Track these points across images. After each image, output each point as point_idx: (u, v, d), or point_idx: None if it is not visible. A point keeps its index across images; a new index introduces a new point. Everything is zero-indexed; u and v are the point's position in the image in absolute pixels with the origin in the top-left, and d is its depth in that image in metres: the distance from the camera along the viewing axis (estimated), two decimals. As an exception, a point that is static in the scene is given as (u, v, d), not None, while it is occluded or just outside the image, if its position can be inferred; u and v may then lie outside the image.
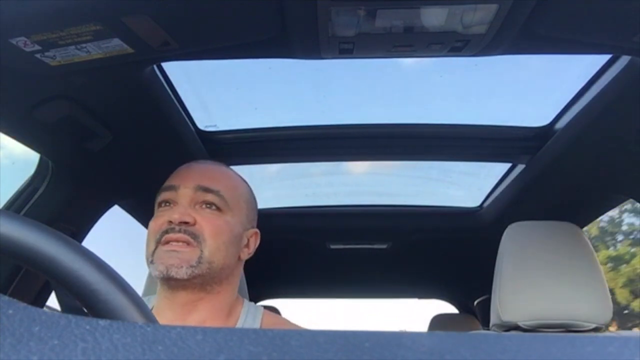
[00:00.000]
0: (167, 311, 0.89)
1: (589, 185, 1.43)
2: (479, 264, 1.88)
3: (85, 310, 0.36)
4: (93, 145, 1.15)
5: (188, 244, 0.87)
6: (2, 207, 1.19)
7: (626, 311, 10.76)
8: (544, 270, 1.19)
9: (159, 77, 1.07)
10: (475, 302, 2.54)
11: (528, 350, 0.24)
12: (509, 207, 1.68)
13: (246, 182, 1.02)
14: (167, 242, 0.87)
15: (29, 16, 0.73)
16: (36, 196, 1.20)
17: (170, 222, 0.87)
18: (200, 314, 0.90)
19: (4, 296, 0.27)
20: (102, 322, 0.25)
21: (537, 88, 1.48)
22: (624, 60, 0.98)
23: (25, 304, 0.26)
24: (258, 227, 1.01)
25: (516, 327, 1.19)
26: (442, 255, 2.25)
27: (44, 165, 1.21)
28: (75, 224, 1.31)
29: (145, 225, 0.96)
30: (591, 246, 1.25)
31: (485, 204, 1.87)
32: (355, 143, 1.48)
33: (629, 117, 1.08)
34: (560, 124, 1.28)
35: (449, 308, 2.80)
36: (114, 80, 0.98)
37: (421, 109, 1.55)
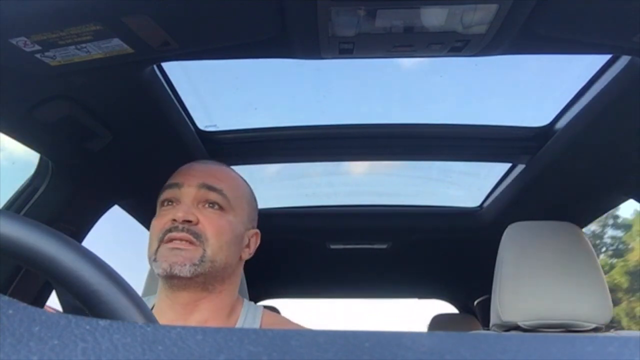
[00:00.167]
0: (169, 311, 0.89)
1: (589, 185, 1.43)
2: (479, 264, 1.89)
3: (86, 310, 0.36)
4: (93, 145, 1.15)
5: (191, 242, 0.87)
6: (2, 207, 1.19)
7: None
8: (544, 270, 1.19)
9: (159, 77, 1.07)
10: (475, 302, 2.54)
11: (528, 350, 0.24)
12: (509, 207, 1.68)
13: (247, 183, 1.02)
14: (170, 241, 0.87)
15: (29, 16, 0.73)
16: (36, 196, 1.20)
17: (174, 220, 0.87)
18: (201, 313, 0.90)
19: (4, 296, 0.27)
20: (102, 322, 0.25)
21: (537, 88, 1.48)
22: (624, 60, 0.98)
23: (25, 304, 0.26)
24: (258, 227, 1.01)
25: (516, 327, 1.19)
26: (442, 255, 2.25)
27: (44, 165, 1.21)
28: (75, 224, 1.31)
29: (146, 225, 0.96)
30: (591, 246, 1.25)
31: (485, 204, 1.87)
32: (355, 143, 1.47)
33: (629, 117, 1.08)
34: (560, 124, 1.28)
35: (448, 308, 2.80)
36: (114, 80, 0.98)
37: (421, 109, 1.55)
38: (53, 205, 1.22)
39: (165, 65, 1.08)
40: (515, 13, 0.78)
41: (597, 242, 11.90)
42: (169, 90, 1.13)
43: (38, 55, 0.80)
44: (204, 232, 0.88)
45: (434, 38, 0.85)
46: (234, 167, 1.07)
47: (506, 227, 1.31)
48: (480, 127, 1.43)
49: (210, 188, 0.92)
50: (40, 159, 1.20)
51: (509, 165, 1.58)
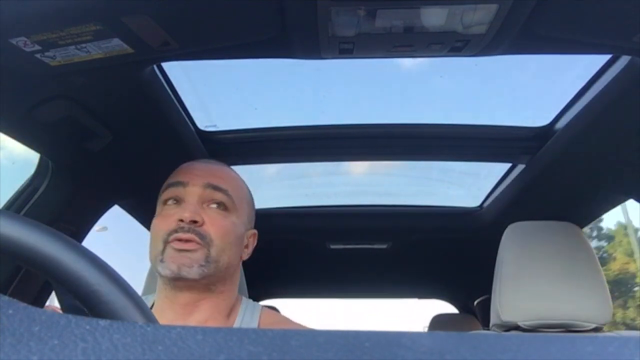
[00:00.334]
0: (168, 311, 0.89)
1: (589, 185, 1.43)
2: (479, 264, 1.89)
3: (86, 310, 0.36)
4: (93, 145, 1.15)
5: (197, 243, 0.87)
6: (2, 207, 1.19)
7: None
8: (544, 270, 1.19)
9: (159, 77, 1.07)
10: (475, 302, 2.54)
11: (528, 350, 0.24)
12: (509, 207, 1.68)
13: (245, 183, 1.02)
14: (176, 241, 0.86)
15: (29, 16, 0.73)
16: (36, 196, 1.20)
17: (181, 220, 0.87)
18: (202, 314, 0.90)
19: (4, 296, 0.27)
20: (102, 322, 0.25)
21: (537, 88, 1.48)
22: (624, 60, 0.98)
23: (25, 304, 0.26)
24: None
25: (516, 327, 1.19)
26: (442, 255, 2.25)
27: (44, 165, 1.21)
28: (75, 224, 1.31)
29: (146, 225, 0.96)
30: (591, 246, 1.25)
31: (485, 204, 1.87)
32: (355, 143, 1.47)
33: (629, 117, 1.08)
34: (560, 124, 1.28)
35: (448, 308, 2.80)
36: (114, 80, 0.98)
37: (421, 109, 1.55)
38: (53, 205, 1.22)
39: (165, 65, 1.08)
40: (515, 13, 0.78)
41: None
42: (169, 90, 1.13)
43: (38, 55, 0.80)
44: (208, 233, 0.88)
45: (434, 38, 0.85)
46: (234, 167, 1.07)
47: (506, 227, 1.31)
48: (480, 127, 1.43)
49: (216, 188, 0.91)
50: (40, 159, 1.20)
51: (509, 165, 1.58)
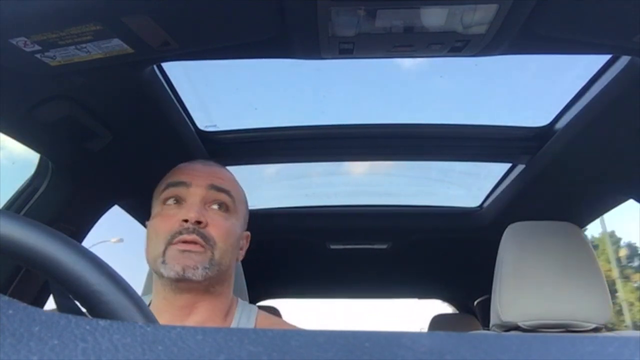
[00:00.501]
0: (166, 312, 0.89)
1: (589, 185, 1.43)
2: (479, 264, 1.88)
3: (84, 312, 0.36)
4: (93, 145, 1.15)
5: (201, 245, 0.86)
6: (2, 207, 1.19)
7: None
8: (544, 270, 1.19)
9: (159, 77, 1.07)
10: (475, 302, 2.54)
11: (528, 350, 0.24)
12: (509, 207, 1.68)
13: (240, 185, 1.03)
14: (181, 243, 0.86)
15: (29, 16, 0.73)
16: (36, 196, 1.20)
17: (185, 221, 0.86)
18: (199, 315, 0.90)
19: (4, 296, 0.27)
20: (102, 322, 0.25)
21: (537, 88, 1.48)
22: (624, 60, 0.98)
23: (25, 304, 0.26)
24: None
25: (516, 327, 1.19)
26: (442, 255, 2.25)
27: (44, 165, 1.21)
28: (75, 224, 1.31)
29: (146, 225, 0.96)
30: (591, 246, 1.25)
31: (485, 204, 1.87)
32: (355, 143, 1.47)
33: (629, 117, 1.08)
34: (560, 124, 1.28)
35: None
36: (114, 80, 0.98)
37: (421, 109, 1.55)
38: (53, 205, 1.22)
39: (165, 65, 1.08)
40: (515, 13, 0.78)
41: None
42: (169, 90, 1.13)
43: (38, 55, 0.80)
44: (212, 236, 0.87)
45: (434, 38, 0.85)
46: (234, 167, 1.08)
47: (506, 227, 1.31)
48: (480, 127, 1.43)
49: (219, 189, 0.91)
50: (40, 159, 1.20)
51: (509, 165, 1.58)
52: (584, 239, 1.26)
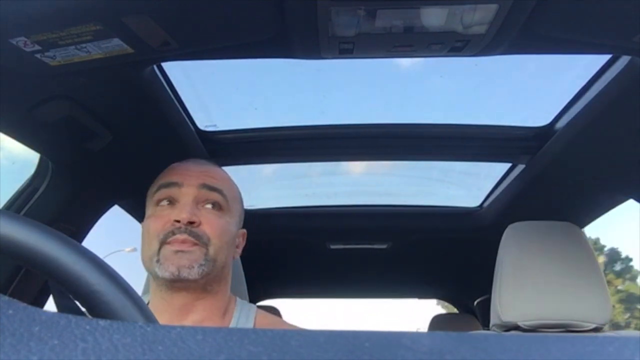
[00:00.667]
0: (164, 312, 0.88)
1: (589, 185, 1.43)
2: (479, 264, 1.89)
3: (84, 311, 0.36)
4: (93, 145, 1.15)
5: (194, 244, 0.86)
6: (2, 207, 1.19)
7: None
8: (544, 270, 1.19)
9: (159, 77, 1.07)
10: (475, 302, 2.54)
11: (528, 350, 0.24)
12: (509, 207, 1.68)
13: (235, 183, 1.02)
14: (173, 243, 0.86)
15: (29, 16, 0.73)
16: (36, 196, 1.20)
17: (177, 221, 0.86)
18: (198, 314, 0.90)
19: (4, 296, 0.27)
20: (102, 322, 0.25)
21: (537, 88, 1.48)
22: (624, 60, 0.98)
23: (25, 304, 0.26)
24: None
25: (516, 327, 1.19)
26: (442, 255, 2.25)
27: (44, 165, 1.21)
28: (75, 224, 1.31)
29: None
30: (591, 246, 1.25)
31: (485, 204, 1.87)
32: (355, 143, 1.47)
33: (629, 117, 1.08)
34: (560, 124, 1.28)
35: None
36: (114, 80, 0.98)
37: (421, 109, 1.55)
38: (53, 205, 1.22)
39: (165, 65, 1.08)
40: (515, 13, 0.78)
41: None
42: (169, 90, 1.12)
43: (38, 55, 0.80)
44: (205, 234, 0.88)
45: (434, 38, 0.85)
46: (234, 167, 1.08)
47: (506, 227, 1.31)
48: (480, 127, 1.43)
49: (212, 188, 0.91)
50: (40, 159, 1.20)
51: (509, 165, 1.58)
52: (584, 239, 1.26)
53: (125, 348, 0.23)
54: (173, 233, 0.86)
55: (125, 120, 1.13)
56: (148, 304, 0.92)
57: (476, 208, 1.93)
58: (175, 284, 0.87)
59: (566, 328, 1.17)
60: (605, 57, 1.04)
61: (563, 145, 1.27)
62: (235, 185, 1.00)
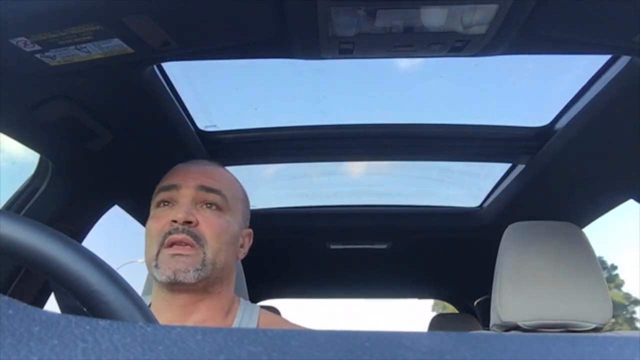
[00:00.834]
0: (166, 313, 0.89)
1: (589, 185, 1.43)
2: (479, 264, 1.88)
3: (85, 311, 0.36)
4: (93, 145, 1.15)
5: (192, 246, 0.86)
6: (2, 207, 1.19)
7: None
8: (544, 270, 1.19)
9: (159, 77, 1.07)
10: (475, 302, 2.54)
11: (528, 350, 0.24)
12: (509, 207, 1.68)
13: (240, 183, 1.02)
14: (171, 245, 0.86)
15: (29, 16, 0.73)
16: (36, 196, 1.20)
17: (174, 221, 0.87)
18: (200, 314, 0.90)
19: (4, 296, 0.27)
20: (102, 322, 0.25)
21: (537, 88, 1.48)
22: (624, 60, 0.98)
23: (25, 304, 0.26)
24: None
25: (516, 327, 1.19)
26: (442, 255, 2.25)
27: (44, 165, 1.21)
28: (75, 224, 1.31)
29: (146, 225, 0.96)
30: (591, 246, 1.25)
31: (485, 204, 1.86)
32: (355, 143, 1.47)
33: (629, 117, 1.08)
34: (560, 124, 1.28)
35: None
36: (114, 80, 0.98)
37: (421, 109, 1.55)
38: (53, 205, 1.22)
39: (165, 65, 1.08)
40: (515, 13, 0.78)
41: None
42: (169, 90, 1.12)
43: (38, 55, 0.80)
44: (203, 234, 0.88)
45: (434, 38, 0.85)
46: (234, 167, 1.08)
47: (506, 227, 1.31)
48: (480, 127, 1.43)
49: (209, 190, 0.91)
50: (40, 159, 1.20)
51: (509, 165, 1.58)
52: (584, 239, 1.26)
53: (125, 348, 0.23)
54: (170, 233, 0.86)
55: (125, 120, 1.13)
56: (150, 305, 0.92)
57: (476, 208, 1.93)
58: (174, 286, 0.87)
59: (566, 328, 1.17)
60: (605, 57, 1.04)
61: (563, 145, 1.27)
62: (238, 185, 1.00)
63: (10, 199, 1.21)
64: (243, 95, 1.47)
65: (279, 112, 1.54)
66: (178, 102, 1.20)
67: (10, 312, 0.25)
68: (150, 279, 1.47)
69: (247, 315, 0.94)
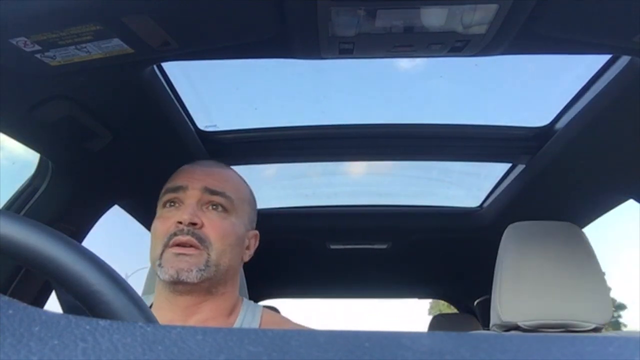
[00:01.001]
0: (168, 312, 0.89)
1: (589, 185, 1.43)
2: (479, 264, 1.88)
3: (86, 310, 0.36)
4: (93, 145, 1.15)
5: (196, 247, 0.86)
6: (2, 207, 1.19)
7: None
8: (544, 270, 1.19)
9: (159, 77, 1.07)
10: (475, 302, 2.54)
11: (528, 350, 0.24)
12: (509, 207, 1.68)
13: (247, 184, 1.02)
14: (175, 245, 0.86)
15: (29, 16, 0.73)
16: (36, 196, 1.20)
17: (180, 223, 0.87)
18: (203, 314, 0.90)
19: (4, 296, 0.27)
20: (102, 322, 0.25)
21: (537, 88, 1.48)
22: (624, 60, 0.98)
23: (25, 304, 0.26)
24: (258, 227, 1.01)
25: (516, 327, 1.19)
26: (442, 255, 2.25)
27: (44, 165, 1.21)
28: (75, 224, 1.31)
29: (146, 225, 0.96)
30: (591, 246, 1.25)
31: (485, 204, 1.86)
32: (355, 143, 1.47)
33: (629, 117, 1.08)
34: (560, 124, 1.28)
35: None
36: (114, 80, 0.98)
37: (421, 109, 1.55)
38: (53, 205, 1.22)
39: (165, 65, 1.08)
40: (515, 13, 0.78)
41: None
42: (169, 90, 1.12)
43: (38, 55, 0.80)
44: (207, 236, 0.88)
45: (434, 38, 0.84)
46: (234, 167, 1.07)
47: (506, 227, 1.31)
48: (480, 127, 1.43)
49: (214, 192, 0.92)
50: (40, 159, 1.20)
51: (509, 165, 1.58)
52: (584, 239, 1.26)
53: (125, 348, 0.23)
54: (175, 234, 0.87)
55: (125, 120, 1.13)
56: (151, 305, 0.92)
57: (476, 208, 1.93)
58: (177, 286, 0.87)
59: (566, 328, 1.17)
60: (605, 57, 1.04)
61: (563, 145, 1.27)
62: (245, 186, 1.00)
63: (10, 199, 1.21)
64: (243, 95, 1.47)
65: (279, 112, 1.54)
66: (178, 102, 1.20)
67: (10, 312, 0.25)
68: (151, 278, 1.47)
69: (250, 315, 0.94)
